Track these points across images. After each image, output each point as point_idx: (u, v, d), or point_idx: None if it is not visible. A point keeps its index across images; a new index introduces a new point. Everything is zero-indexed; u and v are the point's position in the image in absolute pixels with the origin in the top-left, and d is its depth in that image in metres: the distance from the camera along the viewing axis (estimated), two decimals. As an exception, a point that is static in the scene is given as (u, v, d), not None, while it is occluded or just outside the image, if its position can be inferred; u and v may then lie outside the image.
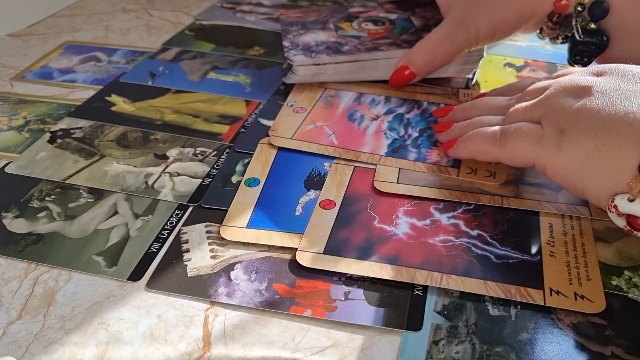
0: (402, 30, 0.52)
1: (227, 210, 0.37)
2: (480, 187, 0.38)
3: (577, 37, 0.45)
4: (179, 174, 0.40)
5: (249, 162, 0.41)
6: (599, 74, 0.34)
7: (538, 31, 0.48)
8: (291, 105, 0.47)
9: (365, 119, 0.45)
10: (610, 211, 0.30)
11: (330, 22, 0.54)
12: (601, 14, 0.43)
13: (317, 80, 0.49)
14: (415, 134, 0.43)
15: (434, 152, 0.41)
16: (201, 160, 0.41)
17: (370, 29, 0.52)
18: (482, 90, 0.49)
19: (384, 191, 0.38)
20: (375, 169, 0.40)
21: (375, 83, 0.50)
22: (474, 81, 0.51)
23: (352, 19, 0.54)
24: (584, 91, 0.33)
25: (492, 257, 0.33)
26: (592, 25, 0.44)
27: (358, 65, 0.49)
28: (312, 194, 0.38)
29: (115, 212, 0.37)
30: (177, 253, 0.34)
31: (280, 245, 0.34)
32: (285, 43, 0.51)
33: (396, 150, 0.41)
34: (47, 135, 0.44)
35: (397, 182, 0.38)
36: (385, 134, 0.43)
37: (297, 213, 0.36)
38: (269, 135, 0.43)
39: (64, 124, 0.46)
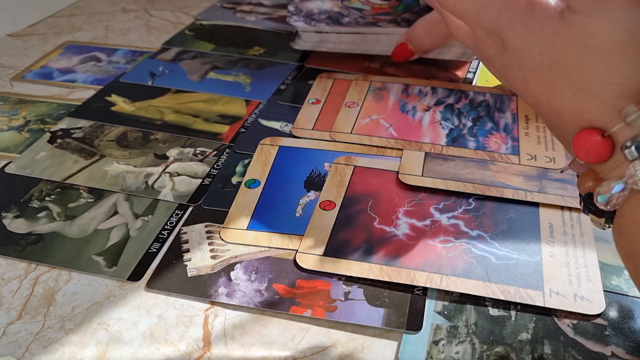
0: (406, 8, 0.52)
1: (227, 211, 0.37)
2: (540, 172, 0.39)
3: None
4: (179, 174, 0.40)
5: (249, 163, 0.41)
6: None
7: None
8: (312, 102, 0.47)
9: (417, 110, 0.45)
10: None
11: None
12: None
13: (323, 49, 0.51)
14: (469, 124, 0.44)
15: (491, 140, 0.42)
16: (201, 160, 0.41)
17: (375, 4, 0.53)
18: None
19: (408, 184, 0.38)
20: (374, 169, 0.40)
21: (420, 75, 0.51)
22: (474, 81, 0.51)
23: None
24: None
25: (492, 257, 0.33)
26: None
27: (360, 38, 0.50)
28: (312, 194, 0.38)
29: (115, 212, 0.37)
30: (177, 253, 0.34)
31: (280, 247, 0.34)
32: (290, 7, 0.52)
33: (455, 139, 0.42)
34: (47, 135, 0.44)
35: (422, 175, 0.39)
36: (440, 124, 0.44)
37: (297, 214, 0.36)
38: (292, 134, 0.44)
39: (64, 124, 0.46)
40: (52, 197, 0.38)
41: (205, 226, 0.36)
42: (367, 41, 0.50)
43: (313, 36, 0.50)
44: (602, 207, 0.25)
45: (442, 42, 0.49)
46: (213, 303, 0.31)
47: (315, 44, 0.51)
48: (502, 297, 0.31)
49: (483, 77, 0.52)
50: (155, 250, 0.34)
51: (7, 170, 0.41)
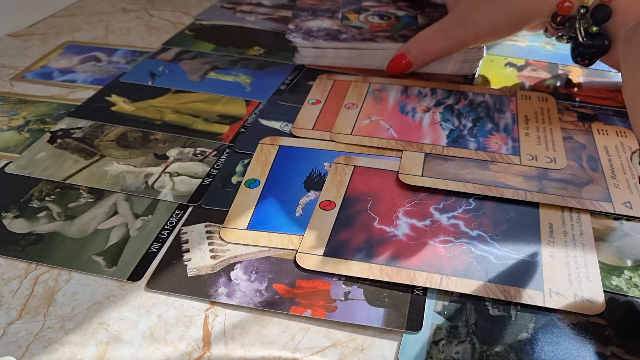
0: (404, 26, 0.54)
1: (227, 211, 0.37)
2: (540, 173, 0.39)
3: (580, 39, 0.45)
4: (179, 174, 0.40)
5: (249, 163, 0.41)
6: None
7: (544, 30, 0.48)
8: (312, 103, 0.47)
9: (417, 112, 0.45)
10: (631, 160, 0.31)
11: (340, 12, 0.57)
12: (604, 18, 0.44)
13: (321, 63, 0.53)
14: (469, 124, 0.44)
15: (491, 141, 0.42)
16: (201, 160, 0.41)
17: (373, 22, 0.54)
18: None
19: (408, 184, 0.38)
20: (374, 169, 0.40)
21: (419, 76, 0.51)
22: (474, 81, 0.51)
23: (362, 11, 0.57)
24: None
25: (492, 257, 0.33)
26: (594, 29, 0.44)
27: (357, 53, 0.52)
28: (312, 194, 0.38)
29: (115, 212, 0.37)
30: (177, 253, 0.34)
31: (280, 247, 0.34)
32: (290, 26, 0.55)
33: (455, 140, 0.42)
34: (47, 135, 0.44)
35: (422, 175, 0.39)
36: (440, 125, 0.44)
37: (297, 214, 0.36)
38: (292, 134, 0.44)
39: (64, 124, 0.46)
40: (52, 197, 0.38)
41: (205, 226, 0.36)
42: (364, 56, 0.52)
43: (310, 51, 0.52)
44: None
45: (442, 53, 0.49)
46: (213, 303, 0.31)
47: (313, 58, 0.53)
48: (502, 297, 0.31)
49: (482, 78, 0.52)
50: (155, 250, 0.34)
51: (7, 170, 0.41)
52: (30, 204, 0.38)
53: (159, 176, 0.40)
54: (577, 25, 0.45)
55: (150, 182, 0.39)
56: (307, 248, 0.34)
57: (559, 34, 0.47)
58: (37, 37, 0.61)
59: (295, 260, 0.33)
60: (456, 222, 0.36)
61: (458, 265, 0.33)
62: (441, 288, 0.31)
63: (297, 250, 0.34)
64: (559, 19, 0.45)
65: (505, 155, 0.41)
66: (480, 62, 0.52)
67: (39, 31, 0.62)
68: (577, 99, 0.48)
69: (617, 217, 0.36)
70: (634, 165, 0.31)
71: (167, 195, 0.38)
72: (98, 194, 0.39)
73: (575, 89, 0.50)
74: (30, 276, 0.33)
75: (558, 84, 0.51)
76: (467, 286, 0.31)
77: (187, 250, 0.34)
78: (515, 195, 0.37)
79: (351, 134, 0.43)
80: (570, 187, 0.38)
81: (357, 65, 0.52)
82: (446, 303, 0.31)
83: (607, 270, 0.33)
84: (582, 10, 0.44)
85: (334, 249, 0.34)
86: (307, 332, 0.30)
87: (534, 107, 0.47)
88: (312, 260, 0.33)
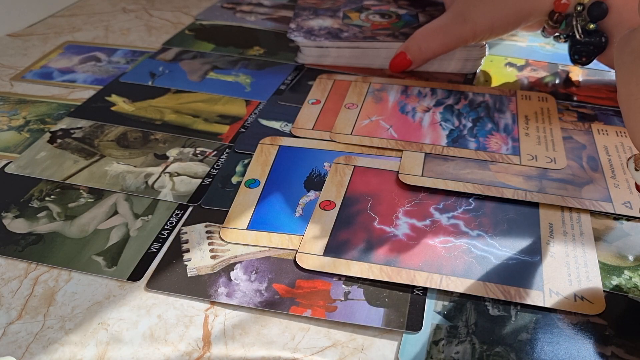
0: (405, 24, 0.54)
1: (227, 211, 0.37)
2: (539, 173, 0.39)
3: (577, 36, 0.45)
4: (179, 174, 0.40)
5: (249, 163, 0.41)
6: None
7: (541, 30, 0.48)
8: (312, 103, 0.47)
9: (417, 111, 0.45)
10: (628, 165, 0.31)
11: (341, 11, 0.58)
12: (600, 15, 0.44)
13: (323, 63, 0.53)
14: (469, 124, 0.44)
15: (491, 141, 0.42)
16: (201, 160, 0.41)
17: (375, 21, 0.55)
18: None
19: (408, 184, 0.38)
20: (374, 169, 0.40)
21: (419, 76, 0.52)
22: (474, 81, 0.51)
23: (363, 10, 0.57)
24: None
25: (492, 257, 0.33)
26: (591, 26, 0.44)
27: (360, 52, 0.52)
28: (312, 194, 0.38)
29: (115, 212, 0.37)
30: (177, 253, 0.34)
31: (280, 247, 0.34)
32: (292, 25, 0.55)
33: (456, 140, 0.42)
34: (47, 135, 0.44)
35: (422, 175, 0.39)
36: (440, 125, 0.44)
37: (297, 214, 0.36)
38: (292, 134, 0.44)
39: (64, 124, 0.46)
40: (52, 197, 0.38)
41: (205, 226, 0.36)
42: (367, 55, 0.52)
43: (313, 51, 0.53)
44: None
45: (441, 50, 0.49)
46: (213, 303, 0.31)
47: (316, 58, 0.53)
48: (502, 297, 0.31)
49: (482, 78, 0.52)
50: (155, 250, 0.34)
51: (7, 170, 0.41)
52: (30, 204, 0.38)
53: (159, 176, 0.40)
54: (574, 23, 0.45)
55: (150, 182, 0.39)
56: (307, 248, 0.34)
57: (556, 34, 0.47)
58: (37, 37, 0.61)
59: (295, 260, 0.33)
60: (456, 222, 0.36)
61: (458, 265, 0.33)
62: (441, 288, 0.31)
63: (297, 250, 0.34)
64: (556, 17, 0.45)
65: (505, 155, 0.41)
66: (483, 61, 0.52)
67: (39, 31, 0.62)
68: (577, 99, 0.48)
69: (617, 217, 0.36)
70: (630, 171, 0.31)
71: (167, 195, 0.38)
72: (98, 194, 0.39)
73: (575, 89, 0.50)
74: (30, 276, 0.33)
75: (557, 81, 0.51)
76: (467, 286, 0.31)
77: (187, 250, 0.34)
78: (515, 195, 0.37)
79: (351, 134, 0.43)
80: (570, 187, 0.38)
81: (360, 64, 0.52)
82: (446, 303, 0.31)
83: (607, 270, 0.33)
84: (578, 8, 0.44)
85: (334, 249, 0.34)
86: (307, 332, 0.30)
87: (534, 107, 0.47)
88: (312, 260, 0.33)
